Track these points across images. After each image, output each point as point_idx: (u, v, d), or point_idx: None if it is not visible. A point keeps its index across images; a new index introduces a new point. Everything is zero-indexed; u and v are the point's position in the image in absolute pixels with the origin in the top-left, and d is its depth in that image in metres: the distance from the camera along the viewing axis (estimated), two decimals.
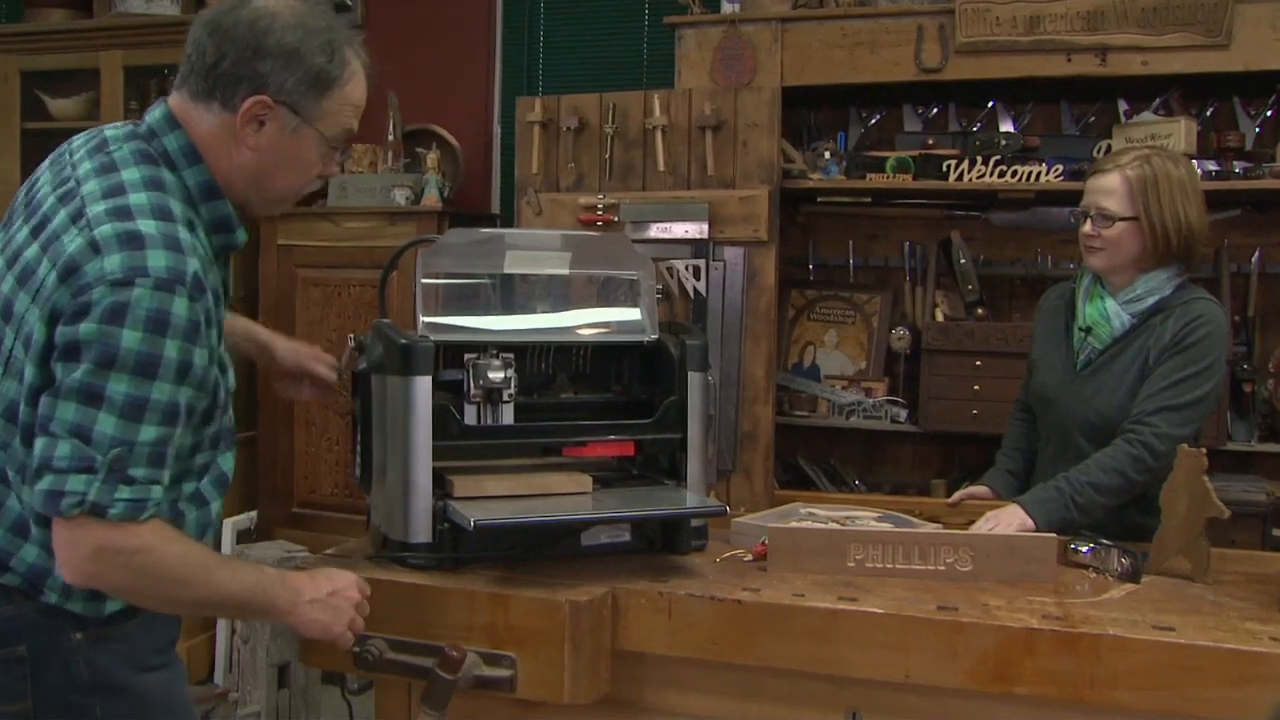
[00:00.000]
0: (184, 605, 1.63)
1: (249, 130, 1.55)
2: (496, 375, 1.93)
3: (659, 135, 3.46)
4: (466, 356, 1.95)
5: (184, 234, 1.48)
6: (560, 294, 2.11)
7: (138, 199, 1.48)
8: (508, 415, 1.96)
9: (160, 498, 1.47)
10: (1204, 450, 2.00)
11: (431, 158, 4.18)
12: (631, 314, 2.11)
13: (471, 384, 1.93)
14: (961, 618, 1.73)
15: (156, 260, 1.42)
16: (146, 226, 1.45)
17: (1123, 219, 2.29)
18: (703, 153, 3.45)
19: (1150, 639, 1.66)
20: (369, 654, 1.82)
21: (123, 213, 1.45)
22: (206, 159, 1.56)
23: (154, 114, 1.58)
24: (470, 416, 1.94)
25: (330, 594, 1.65)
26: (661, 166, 3.46)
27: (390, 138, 4.27)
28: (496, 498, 1.92)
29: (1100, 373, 2.35)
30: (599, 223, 3.50)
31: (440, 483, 1.91)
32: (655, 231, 3.47)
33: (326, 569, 1.74)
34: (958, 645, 1.71)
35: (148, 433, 1.43)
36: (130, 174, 1.51)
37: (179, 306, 1.43)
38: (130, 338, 1.40)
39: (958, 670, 1.70)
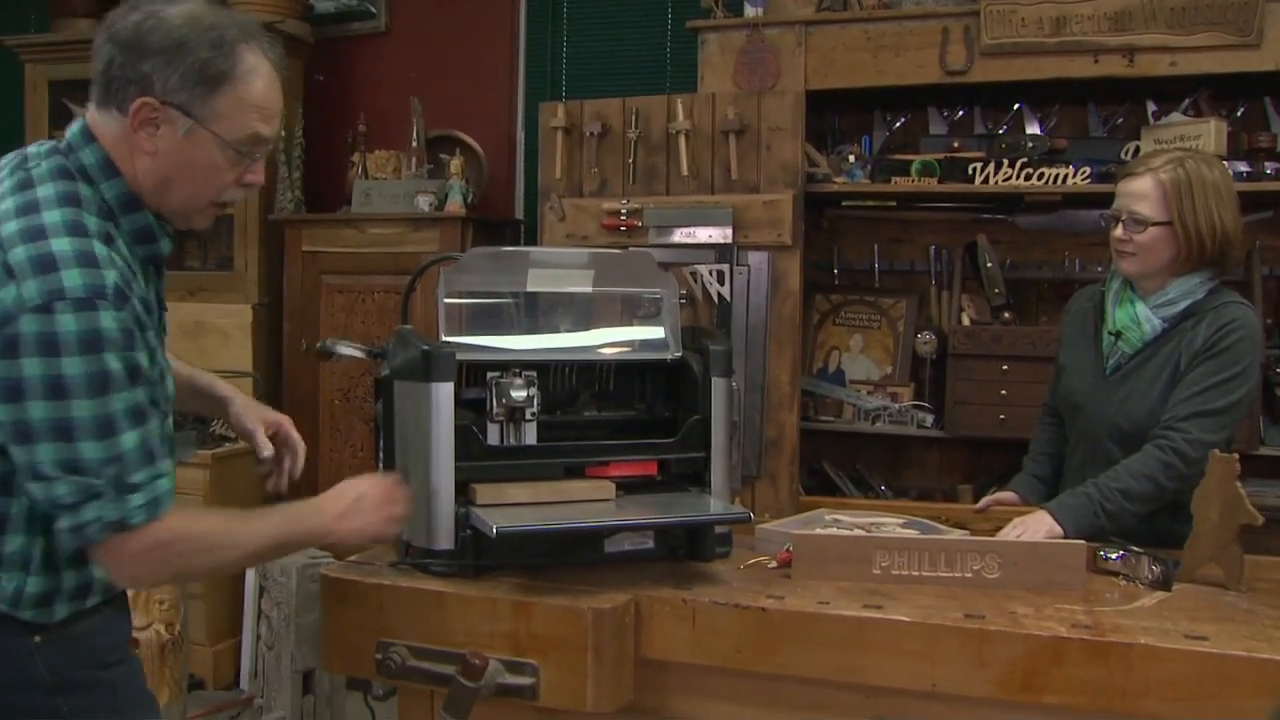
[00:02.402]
0: (232, 567, 1.70)
1: (144, 135, 1.51)
2: (519, 394, 1.92)
3: (682, 140, 3.46)
4: (489, 375, 1.94)
5: (99, 248, 1.46)
6: (583, 312, 2.11)
7: (50, 217, 1.45)
8: (530, 434, 1.95)
9: (168, 488, 1.50)
10: (1236, 455, 1.97)
11: (455, 164, 4.18)
12: (655, 332, 2.11)
13: (494, 402, 1.93)
14: (989, 626, 1.70)
15: (72, 280, 1.40)
16: (59, 245, 1.42)
17: (1155, 224, 2.25)
18: (726, 157, 3.44)
19: (1182, 648, 1.63)
20: (391, 661, 1.82)
21: (35, 233, 1.43)
22: (121, 170, 1.53)
23: (73, 129, 1.56)
24: (493, 436, 1.93)
25: (355, 500, 1.69)
26: (685, 171, 3.46)
27: (414, 144, 4.29)
28: (519, 504, 1.91)
29: (1130, 378, 2.32)
30: (622, 228, 3.50)
31: (463, 489, 1.91)
32: (679, 236, 3.46)
33: (343, 482, 1.75)
34: (985, 654, 1.68)
35: (128, 440, 1.45)
36: (45, 190, 1.48)
37: (106, 320, 1.42)
38: (71, 364, 1.39)
39: (985, 679, 1.68)
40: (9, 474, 1.47)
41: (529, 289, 2.08)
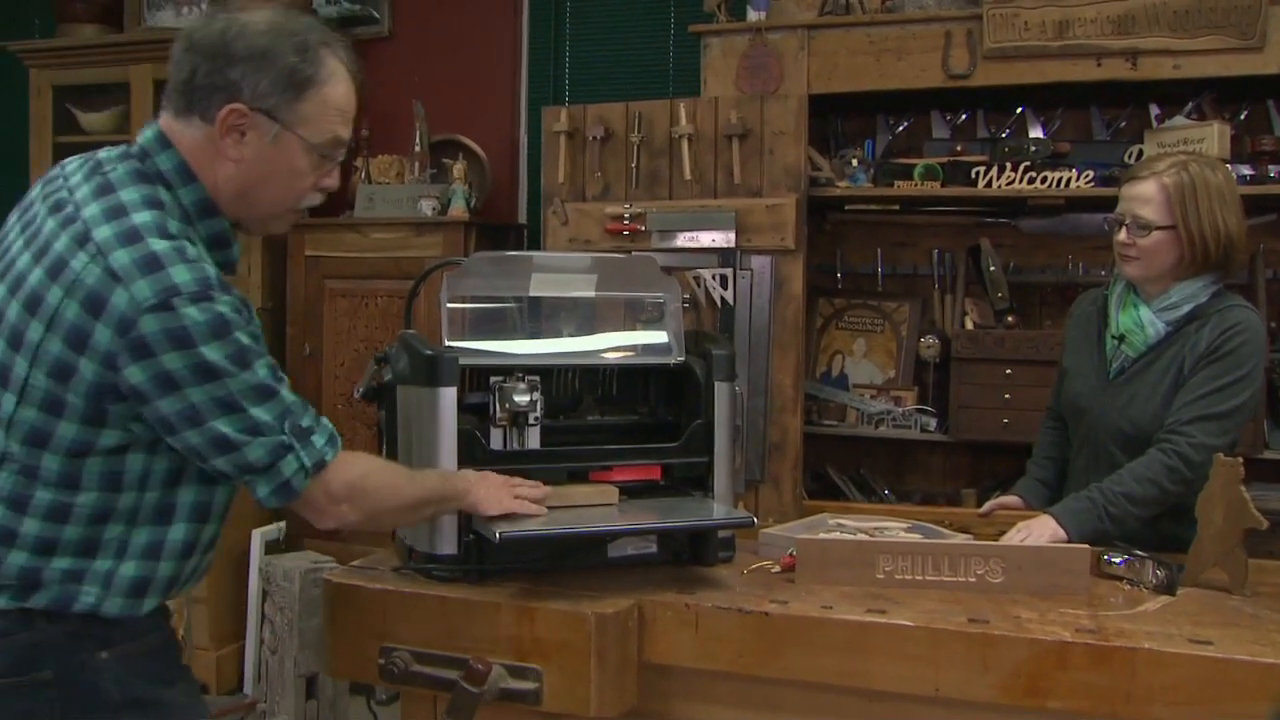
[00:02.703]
0: (406, 508, 1.76)
1: (230, 141, 1.53)
2: (522, 398, 1.92)
3: (685, 144, 3.46)
4: (492, 379, 1.94)
5: (190, 248, 1.49)
6: (586, 316, 2.11)
7: (141, 218, 1.47)
8: (534, 438, 1.95)
9: (332, 428, 1.60)
10: (1240, 459, 1.96)
11: (458, 168, 4.18)
12: (658, 336, 2.11)
13: (497, 407, 1.93)
14: (993, 630, 1.70)
15: (181, 276, 1.44)
16: (158, 246, 1.45)
17: (1159, 228, 2.25)
18: (729, 161, 3.44)
19: (1187, 653, 1.63)
20: (395, 665, 1.82)
21: (131, 235, 1.45)
22: (198, 176, 1.55)
23: (145, 134, 1.57)
24: (496, 440, 1.93)
25: (481, 478, 1.83)
26: (688, 175, 3.46)
27: (417, 148, 4.29)
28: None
29: (1134, 381, 2.32)
30: (625, 232, 3.50)
31: None
32: (682, 240, 3.46)
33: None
34: (989, 659, 1.68)
35: (285, 395, 1.53)
36: (129, 194, 1.50)
37: (222, 306, 1.46)
38: (211, 351, 1.44)
39: (989, 684, 1.68)
40: (118, 473, 1.50)
41: (532, 293, 2.08)
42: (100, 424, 1.47)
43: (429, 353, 1.88)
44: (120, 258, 1.43)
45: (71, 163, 1.60)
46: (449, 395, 1.86)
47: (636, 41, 4.37)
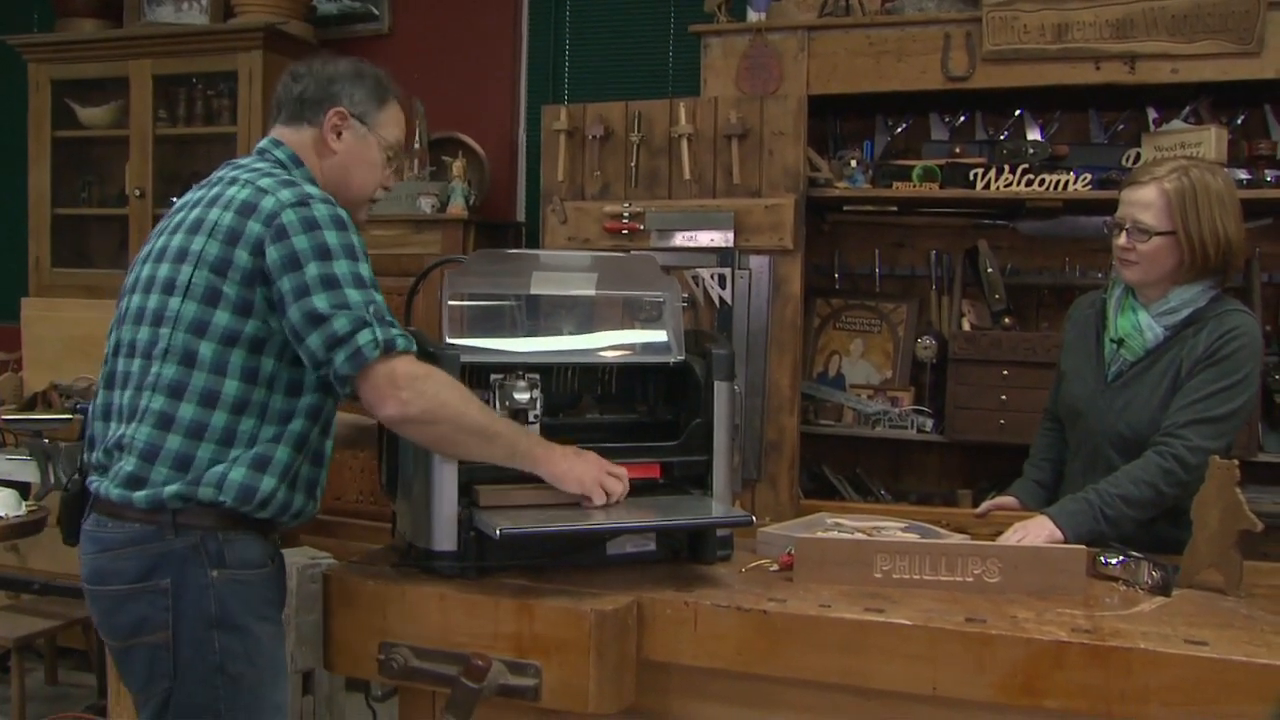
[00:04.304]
0: (470, 430, 1.83)
1: (332, 137, 1.97)
2: (522, 396, 1.94)
3: (684, 144, 3.47)
4: (493, 377, 1.95)
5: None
6: (586, 315, 2.12)
7: (288, 177, 1.90)
8: None
9: (412, 339, 1.83)
10: (1236, 462, 1.97)
11: (457, 166, 4.19)
12: (658, 335, 2.11)
13: (497, 404, 1.93)
14: (990, 630, 1.71)
15: (313, 189, 1.86)
16: (294, 175, 1.91)
17: (1160, 233, 2.25)
18: (728, 161, 3.45)
19: (1182, 653, 1.64)
20: (394, 661, 1.82)
21: (272, 173, 1.89)
22: (305, 163, 1.97)
23: (262, 142, 2.00)
24: None
25: (577, 454, 1.91)
26: (687, 175, 3.47)
27: (416, 146, 4.29)
28: (522, 506, 1.91)
29: (1132, 385, 2.33)
30: (624, 231, 3.51)
31: (465, 491, 1.91)
32: (680, 240, 3.47)
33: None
34: (986, 658, 1.69)
35: (377, 295, 1.81)
36: (259, 165, 1.93)
37: (343, 212, 1.84)
38: (331, 236, 1.80)
39: (986, 683, 1.69)
40: (254, 369, 1.81)
41: (533, 292, 2.09)
42: (247, 314, 1.80)
43: (430, 350, 1.89)
44: (266, 182, 1.85)
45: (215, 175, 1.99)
46: None
47: (636, 41, 4.38)
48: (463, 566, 1.88)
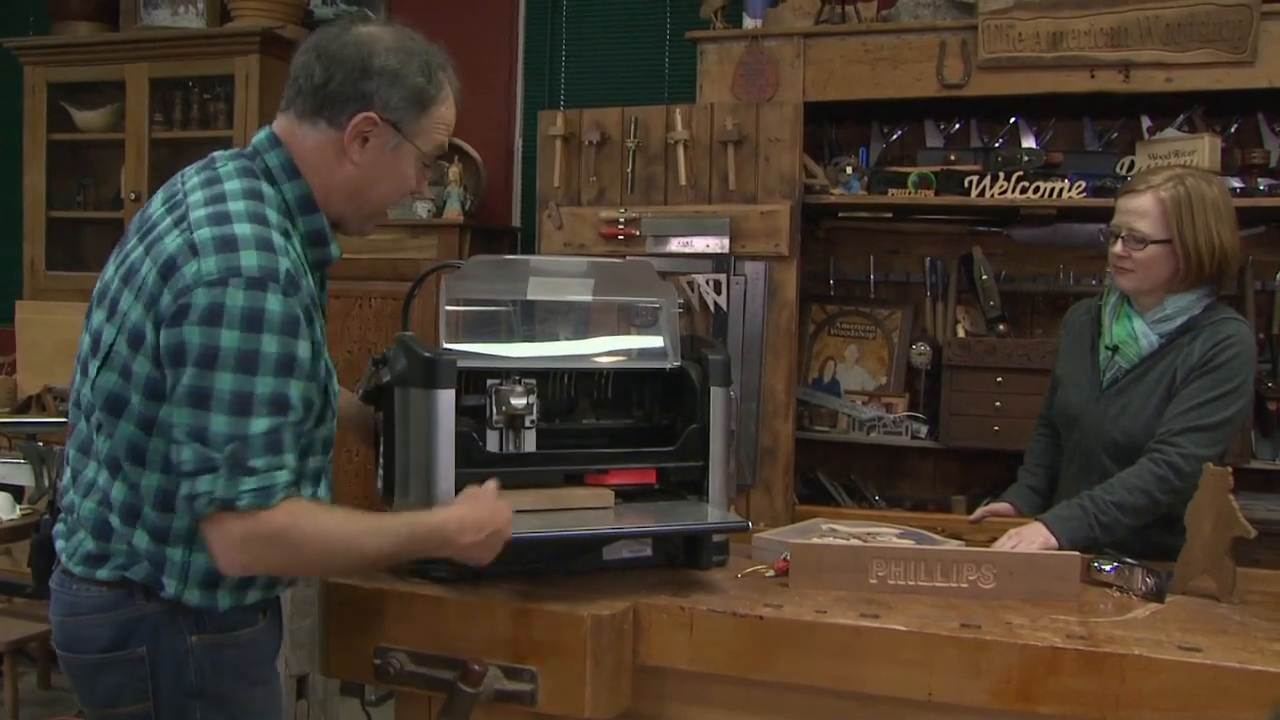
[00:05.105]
0: (342, 572, 1.76)
1: (355, 145, 1.64)
2: (519, 401, 1.93)
3: (681, 149, 3.48)
4: (489, 382, 1.95)
5: (277, 238, 1.55)
6: (583, 320, 2.12)
7: (235, 205, 1.56)
8: (530, 441, 1.95)
9: (288, 480, 1.52)
10: (1230, 469, 1.98)
11: (453, 171, 4.19)
12: (654, 341, 2.12)
13: (494, 409, 1.93)
14: (985, 636, 1.72)
15: (249, 260, 1.49)
16: (241, 229, 1.52)
17: (1155, 241, 2.26)
18: (724, 167, 3.46)
19: (1176, 659, 1.64)
20: (390, 666, 1.82)
21: (221, 218, 1.54)
22: (306, 174, 1.65)
23: (259, 136, 1.68)
24: (492, 443, 1.93)
25: (490, 535, 1.71)
26: (683, 181, 3.47)
27: None
28: (518, 511, 1.91)
29: (1126, 392, 2.34)
30: (620, 237, 3.51)
31: None
32: (676, 246, 3.48)
33: (485, 499, 1.75)
34: (981, 663, 1.69)
35: (258, 425, 1.49)
36: (231, 184, 1.60)
37: (273, 303, 1.49)
38: (228, 336, 1.47)
39: (980, 689, 1.69)
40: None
41: (529, 297, 2.09)
42: (159, 398, 1.52)
43: (427, 355, 1.88)
44: (203, 234, 1.51)
45: (192, 166, 1.69)
46: (447, 398, 1.87)
47: (633, 47, 4.39)
48: (459, 571, 1.88)
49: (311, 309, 1.58)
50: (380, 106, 1.63)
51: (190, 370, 1.47)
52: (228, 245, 1.50)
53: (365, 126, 1.63)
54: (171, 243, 1.53)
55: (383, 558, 1.70)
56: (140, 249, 1.58)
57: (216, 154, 1.69)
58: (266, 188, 1.62)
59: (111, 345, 1.55)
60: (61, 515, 1.67)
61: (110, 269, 1.64)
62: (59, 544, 1.66)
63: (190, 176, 1.65)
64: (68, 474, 1.67)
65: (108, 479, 1.58)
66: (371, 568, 1.80)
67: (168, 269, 1.50)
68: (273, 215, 1.58)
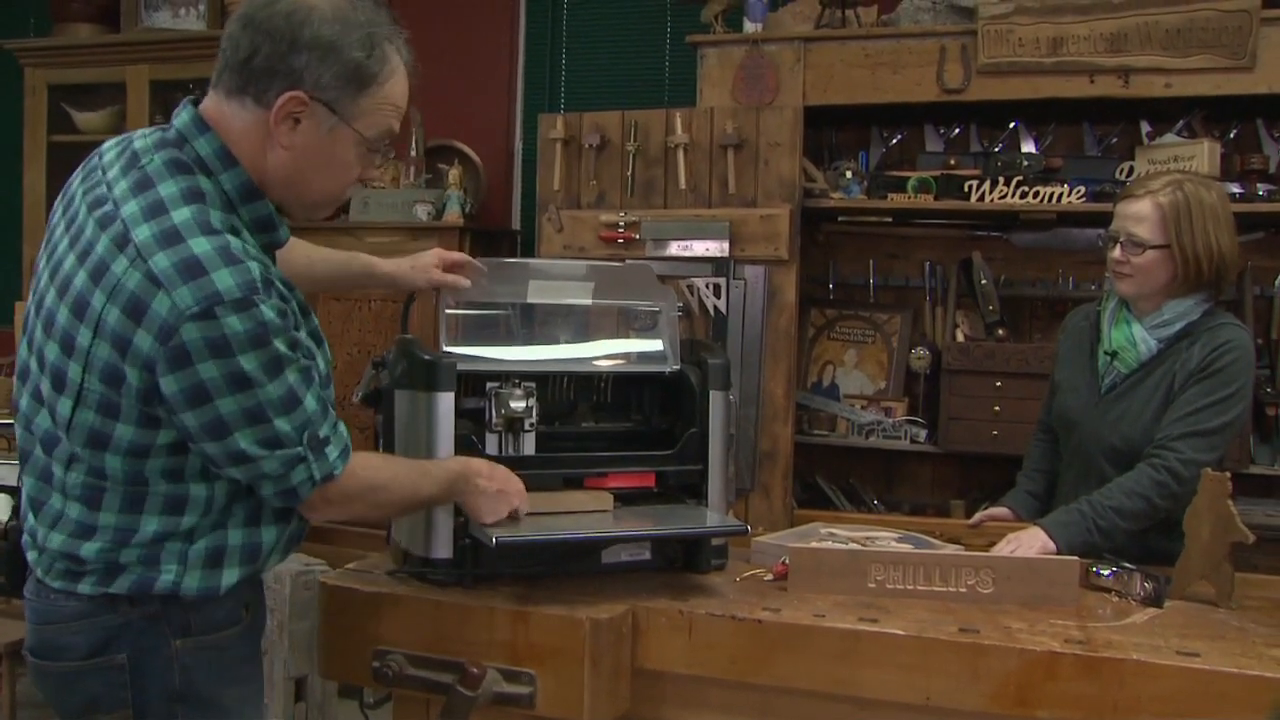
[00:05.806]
0: (407, 511, 1.85)
1: (284, 128, 1.48)
2: (518, 404, 1.93)
3: (680, 153, 3.48)
4: (489, 385, 1.95)
5: (235, 243, 1.45)
6: (582, 324, 2.12)
7: (180, 216, 1.43)
8: (529, 445, 1.96)
9: (348, 434, 1.59)
10: (1228, 474, 1.98)
11: (453, 174, 4.20)
12: (653, 344, 2.12)
13: (493, 413, 1.94)
14: (983, 640, 1.72)
15: (224, 281, 1.40)
16: (199, 247, 1.41)
17: (1154, 247, 2.26)
18: (724, 171, 3.46)
19: (1174, 664, 1.65)
20: (388, 669, 1.82)
21: (171, 236, 1.41)
22: (241, 160, 1.50)
23: (180, 118, 1.52)
24: (491, 446, 1.94)
25: (501, 491, 1.81)
26: (683, 184, 3.48)
27: (413, 153, 4.30)
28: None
29: (1125, 397, 2.34)
30: (620, 240, 3.51)
31: None
32: (676, 249, 3.48)
33: (505, 469, 1.85)
34: (979, 668, 1.70)
35: (310, 404, 1.50)
36: (167, 188, 1.45)
37: (266, 312, 1.43)
38: (246, 359, 1.41)
39: (979, 693, 1.69)
40: (180, 469, 1.50)
41: (529, 300, 2.09)
42: (155, 426, 1.46)
43: (427, 358, 1.89)
44: (160, 261, 1.39)
45: (109, 151, 1.56)
46: (447, 400, 1.87)
47: (633, 51, 4.40)
48: (458, 574, 1.89)
49: (285, 292, 1.52)
50: (311, 84, 1.46)
51: (228, 400, 1.42)
52: (192, 271, 1.39)
53: (293, 107, 1.47)
54: (127, 276, 1.40)
55: (436, 497, 1.80)
56: (82, 273, 1.45)
57: (137, 144, 1.53)
58: (204, 182, 1.48)
59: (81, 384, 1.45)
60: (24, 537, 1.59)
61: (44, 272, 1.53)
62: (30, 555, 1.58)
63: (116, 178, 1.49)
64: (25, 501, 1.58)
65: (82, 511, 1.50)
66: (423, 507, 1.86)
67: (133, 308, 1.39)
68: (216, 217, 1.45)
